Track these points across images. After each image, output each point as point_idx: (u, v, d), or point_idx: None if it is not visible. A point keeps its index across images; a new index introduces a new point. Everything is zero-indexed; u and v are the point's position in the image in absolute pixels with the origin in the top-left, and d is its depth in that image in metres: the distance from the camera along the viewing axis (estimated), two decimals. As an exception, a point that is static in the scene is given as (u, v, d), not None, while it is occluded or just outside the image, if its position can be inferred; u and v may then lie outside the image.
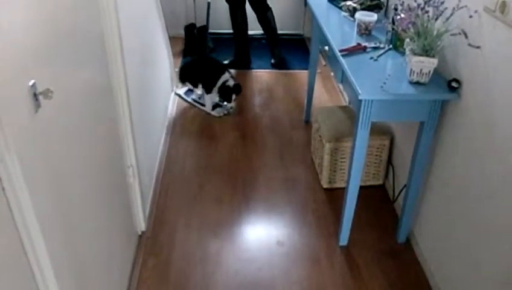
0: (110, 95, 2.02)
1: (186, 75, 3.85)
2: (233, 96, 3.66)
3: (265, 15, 4.33)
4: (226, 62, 4.35)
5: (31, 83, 1.19)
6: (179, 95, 3.97)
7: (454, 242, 2.11)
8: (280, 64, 4.54)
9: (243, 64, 4.53)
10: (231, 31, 4.45)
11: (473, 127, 1.94)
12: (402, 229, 2.52)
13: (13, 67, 1.12)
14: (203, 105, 3.79)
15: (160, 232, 2.60)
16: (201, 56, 4.14)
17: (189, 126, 3.59)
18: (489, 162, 1.81)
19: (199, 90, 3.81)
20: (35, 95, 1.20)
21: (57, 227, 1.36)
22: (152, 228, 2.62)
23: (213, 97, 3.75)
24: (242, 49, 4.53)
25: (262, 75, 4.39)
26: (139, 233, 2.55)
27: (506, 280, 1.70)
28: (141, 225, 2.55)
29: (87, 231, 1.66)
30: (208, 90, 3.70)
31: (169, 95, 3.81)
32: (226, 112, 3.74)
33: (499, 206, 1.76)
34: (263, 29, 4.46)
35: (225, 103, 3.75)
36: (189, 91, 3.97)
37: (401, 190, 2.65)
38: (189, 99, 3.90)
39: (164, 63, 3.68)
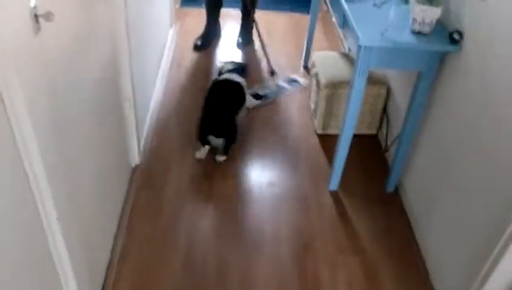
0: (110, 24, 1.99)
1: None
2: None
3: None
4: (198, 43, 3.80)
5: (32, 5, 1.17)
6: None
7: (440, 195, 2.15)
8: (245, 46, 3.93)
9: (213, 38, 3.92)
10: None
11: (472, 81, 1.94)
12: (391, 179, 2.57)
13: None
14: None
15: (154, 167, 2.64)
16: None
17: (187, 66, 3.57)
18: (485, 118, 1.82)
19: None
20: (36, 17, 1.19)
21: (54, 148, 1.38)
22: (146, 162, 2.65)
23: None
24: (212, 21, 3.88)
25: (262, 16, 4.30)
26: (133, 166, 2.58)
27: (488, 235, 1.74)
28: (135, 158, 2.58)
29: (83, 157, 1.69)
30: None
31: (168, 30, 3.75)
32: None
33: (487, 163, 1.79)
34: None
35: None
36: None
37: (394, 140, 2.68)
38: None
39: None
